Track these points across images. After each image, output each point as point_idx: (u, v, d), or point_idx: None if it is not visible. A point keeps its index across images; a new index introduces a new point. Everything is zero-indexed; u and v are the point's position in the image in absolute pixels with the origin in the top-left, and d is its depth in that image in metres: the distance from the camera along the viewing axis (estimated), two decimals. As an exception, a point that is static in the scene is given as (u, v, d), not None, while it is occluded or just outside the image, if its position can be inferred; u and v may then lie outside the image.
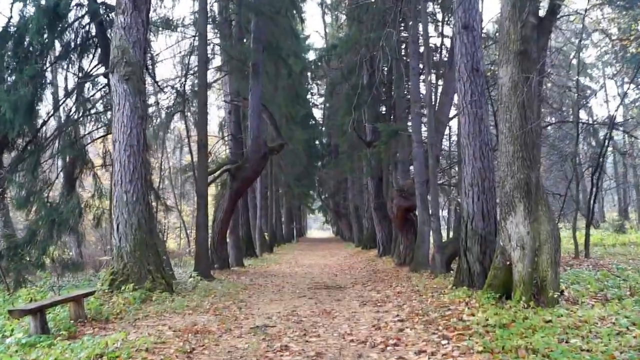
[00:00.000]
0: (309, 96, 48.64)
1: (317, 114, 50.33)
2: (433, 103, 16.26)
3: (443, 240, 15.91)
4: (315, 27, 72.37)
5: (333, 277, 16.24)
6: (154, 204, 16.00)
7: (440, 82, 20.78)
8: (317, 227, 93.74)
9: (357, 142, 26.33)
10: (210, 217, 16.84)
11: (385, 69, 24.79)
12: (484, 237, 10.46)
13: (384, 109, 25.04)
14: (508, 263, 8.41)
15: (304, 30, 38.34)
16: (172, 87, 17.26)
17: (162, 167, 19.66)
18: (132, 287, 10.50)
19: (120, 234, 11.12)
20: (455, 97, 13.81)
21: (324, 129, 48.86)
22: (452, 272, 13.69)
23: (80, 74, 14.75)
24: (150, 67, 15.23)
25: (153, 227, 12.30)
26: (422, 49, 17.25)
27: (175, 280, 13.37)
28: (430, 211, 13.38)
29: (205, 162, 15.43)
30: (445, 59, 19.70)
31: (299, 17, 26.63)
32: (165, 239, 25.75)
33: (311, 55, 36.25)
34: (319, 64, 27.06)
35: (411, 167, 20.76)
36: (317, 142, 50.08)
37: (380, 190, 23.99)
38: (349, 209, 43.57)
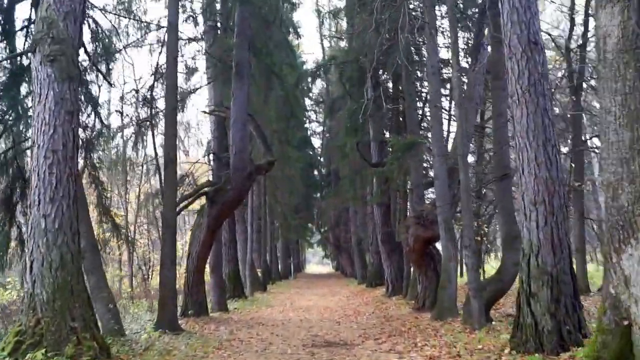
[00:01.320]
0: (306, 124, 45.84)
1: (316, 143, 47.49)
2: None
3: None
4: (312, 49, 69.55)
5: (335, 327, 12.85)
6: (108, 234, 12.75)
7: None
8: (316, 261, 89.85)
9: (361, 164, 23.15)
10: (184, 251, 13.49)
11: (391, 82, 21.83)
12: (555, 277, 7.15)
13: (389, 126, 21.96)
14: (626, 323, 5.11)
15: (300, 48, 35.46)
16: (137, 92, 14.09)
17: (127, 192, 16.42)
18: (46, 353, 7.17)
19: (34, 275, 7.78)
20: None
21: (322, 159, 45.87)
22: (492, 322, 10.32)
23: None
24: (104, 62, 12.03)
25: (83, 266, 8.93)
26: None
27: (123, 338, 10.01)
28: (464, 242, 10.06)
29: (174, 182, 12.19)
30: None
31: (293, 30, 23.79)
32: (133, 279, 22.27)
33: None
34: (318, 73, 24.05)
35: (425, 191, 17.54)
36: (315, 172, 47.10)
37: (389, 219, 20.71)
38: (350, 242, 40.11)
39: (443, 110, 14.17)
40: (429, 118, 17.23)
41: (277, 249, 43.56)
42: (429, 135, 16.38)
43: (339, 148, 23.28)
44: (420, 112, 19.29)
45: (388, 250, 20.29)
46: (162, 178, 12.35)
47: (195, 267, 14.31)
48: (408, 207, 18.85)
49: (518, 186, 7.90)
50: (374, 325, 12.68)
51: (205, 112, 16.38)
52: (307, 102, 45.97)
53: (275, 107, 21.72)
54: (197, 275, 14.40)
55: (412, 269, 18.69)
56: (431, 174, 19.72)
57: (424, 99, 19.97)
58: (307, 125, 46.51)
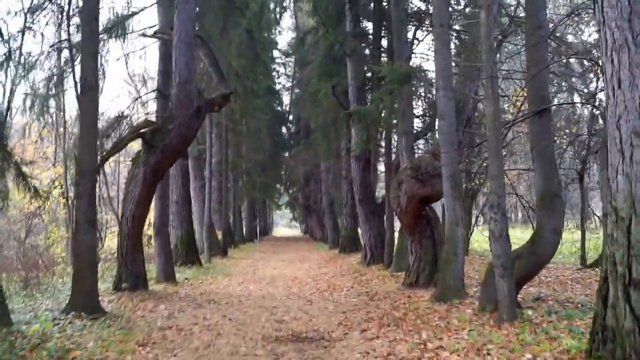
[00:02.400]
0: (274, 76, 42.53)
1: (285, 101, 44.24)
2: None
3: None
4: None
5: (306, 307, 10.03)
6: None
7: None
8: (285, 224, 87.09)
9: (336, 113, 20.20)
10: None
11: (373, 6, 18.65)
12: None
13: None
14: None
15: None
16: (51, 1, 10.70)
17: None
18: None
19: None
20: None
21: (291, 116, 42.72)
22: (524, 310, 7.57)
23: None
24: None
25: None
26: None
27: (5, 330, 7.01)
28: (490, 200, 7.22)
29: (93, 115, 9.02)
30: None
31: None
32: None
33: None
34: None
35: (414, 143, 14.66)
36: (283, 130, 44.02)
37: (368, 175, 17.85)
38: (321, 203, 37.35)
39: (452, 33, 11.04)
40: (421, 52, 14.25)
41: (242, 211, 40.59)
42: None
43: (310, 96, 20.19)
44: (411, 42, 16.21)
45: (367, 212, 17.47)
46: (78, 110, 9.16)
47: (130, 230, 11.23)
48: (393, 159, 16.00)
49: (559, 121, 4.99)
50: (356, 307, 9.87)
51: (145, 35, 13.12)
52: (275, 53, 43.00)
53: (238, 43, 18.40)
54: (132, 240, 11.33)
55: (394, 235, 15.98)
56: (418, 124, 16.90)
57: (414, 28, 16.92)
58: (275, 79, 43.37)
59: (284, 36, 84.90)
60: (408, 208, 10.85)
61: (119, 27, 13.31)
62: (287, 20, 50.30)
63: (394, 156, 16.18)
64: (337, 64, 19.49)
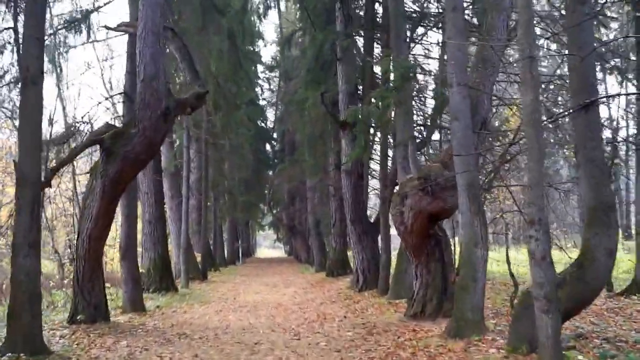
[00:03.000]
0: (257, 90, 41.17)
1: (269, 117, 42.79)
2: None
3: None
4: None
5: (293, 344, 8.45)
6: None
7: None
8: (268, 245, 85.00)
9: (324, 124, 18.81)
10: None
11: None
12: None
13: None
14: None
15: None
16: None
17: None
18: None
19: None
20: None
21: (275, 134, 41.28)
22: (569, 353, 6.09)
23: None
24: None
25: None
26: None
27: None
28: (531, 214, 5.74)
29: (37, 112, 7.45)
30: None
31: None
32: None
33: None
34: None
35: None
36: (267, 147, 42.55)
37: (360, 192, 16.35)
38: (306, 223, 35.73)
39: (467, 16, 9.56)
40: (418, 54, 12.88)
41: (224, 231, 38.84)
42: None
43: (297, 105, 18.73)
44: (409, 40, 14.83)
45: (359, 232, 15.94)
46: (19, 107, 7.58)
47: (87, 253, 9.60)
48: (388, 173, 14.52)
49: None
50: (352, 343, 8.31)
51: (108, 27, 11.59)
52: (259, 68, 41.65)
53: (218, 48, 16.94)
54: (90, 264, 9.70)
55: (391, 257, 14.44)
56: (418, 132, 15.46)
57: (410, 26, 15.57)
58: (259, 95, 42.01)
59: (268, 50, 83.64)
60: (414, 226, 9.34)
61: (81, 21, 11.79)
62: (271, 32, 49.21)
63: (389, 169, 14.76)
64: (326, 72, 18.14)
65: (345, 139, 16.09)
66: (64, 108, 21.24)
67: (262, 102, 42.57)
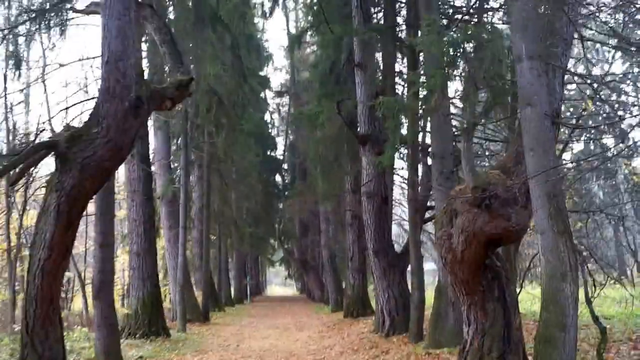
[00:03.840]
0: (266, 118, 39.45)
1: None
2: None
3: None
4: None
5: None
6: None
7: None
8: (279, 282, 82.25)
9: (339, 142, 16.76)
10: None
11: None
12: None
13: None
14: None
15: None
16: None
17: None
18: None
19: None
20: None
21: (286, 165, 39.32)
22: None
23: None
24: None
25: None
26: None
27: None
28: None
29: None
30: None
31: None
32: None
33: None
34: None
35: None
36: (277, 179, 40.58)
37: (385, 220, 14.08)
38: (320, 258, 33.38)
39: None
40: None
41: (231, 269, 36.57)
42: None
43: (308, 121, 16.64)
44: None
45: (384, 265, 13.62)
46: None
47: (40, 292, 7.39)
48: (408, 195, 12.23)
49: None
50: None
51: (75, 10, 9.62)
52: (268, 94, 40.01)
53: (217, 44, 15.02)
54: (43, 307, 7.44)
55: (419, 296, 12.08)
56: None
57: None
58: (268, 124, 40.23)
59: (277, 76, 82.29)
60: (465, 254, 7.05)
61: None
62: (280, 58, 47.61)
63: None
64: (341, 85, 16.22)
65: (366, 156, 13.95)
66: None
67: (272, 133, 40.88)
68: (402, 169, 17.05)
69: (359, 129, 14.37)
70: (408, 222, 12.59)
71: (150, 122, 20.25)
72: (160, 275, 24.32)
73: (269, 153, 38.42)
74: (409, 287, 13.80)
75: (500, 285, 7.53)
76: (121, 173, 16.34)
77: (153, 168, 20.97)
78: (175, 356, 11.08)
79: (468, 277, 7.39)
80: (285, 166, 39.37)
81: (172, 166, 19.93)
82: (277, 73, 48.54)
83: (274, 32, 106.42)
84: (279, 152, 40.12)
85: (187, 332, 15.61)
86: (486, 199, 6.71)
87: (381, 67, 15.88)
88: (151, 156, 23.17)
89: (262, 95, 35.37)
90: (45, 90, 19.90)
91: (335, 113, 14.83)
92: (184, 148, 16.70)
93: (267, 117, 40.24)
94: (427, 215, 13.79)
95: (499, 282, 7.53)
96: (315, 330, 17.22)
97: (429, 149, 13.00)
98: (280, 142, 41.36)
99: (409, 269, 14.30)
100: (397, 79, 15.73)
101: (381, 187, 13.83)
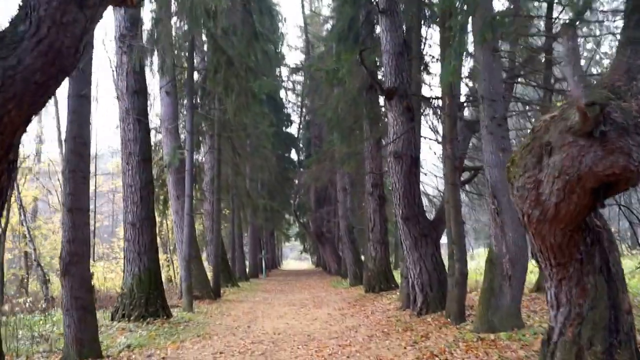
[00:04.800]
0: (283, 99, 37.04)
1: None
2: None
3: None
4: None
5: None
6: None
7: None
8: (295, 256, 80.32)
9: (359, 105, 14.39)
10: None
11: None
12: None
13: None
14: None
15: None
16: None
17: None
18: None
19: None
20: None
21: (301, 143, 36.89)
22: None
23: None
24: None
25: None
26: None
27: None
28: None
29: None
30: None
31: None
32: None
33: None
34: None
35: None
36: (293, 155, 38.29)
37: (415, 183, 11.61)
38: (335, 231, 31.06)
39: None
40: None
41: (245, 242, 34.42)
42: None
43: (327, 77, 14.17)
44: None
45: (415, 234, 11.19)
46: None
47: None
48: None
49: None
50: None
51: None
52: (283, 71, 37.54)
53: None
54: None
55: (461, 269, 9.63)
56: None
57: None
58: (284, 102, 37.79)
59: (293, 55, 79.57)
60: (562, 208, 4.61)
61: None
62: (294, 38, 44.97)
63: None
64: (359, 44, 13.82)
65: (393, 111, 11.47)
66: None
67: (287, 110, 38.50)
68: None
69: (384, 83, 11.87)
70: (444, 182, 10.12)
71: (156, 84, 17.93)
72: (171, 249, 22.16)
73: (284, 129, 36.12)
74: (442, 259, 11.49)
75: (603, 251, 5.13)
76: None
77: (160, 136, 18.65)
78: (171, 344, 8.80)
79: (562, 240, 4.98)
80: (300, 144, 37.03)
81: (180, 132, 17.54)
82: (292, 52, 45.53)
83: (289, 10, 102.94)
84: (294, 129, 37.84)
85: (193, 312, 13.38)
86: (601, 123, 4.25)
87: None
88: (158, 121, 20.95)
89: (277, 71, 32.99)
90: None
91: (357, 66, 12.40)
92: (190, 110, 14.33)
93: (282, 93, 37.83)
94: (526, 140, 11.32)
95: (600, 247, 5.13)
96: (335, 307, 14.95)
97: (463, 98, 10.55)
98: (295, 119, 39.06)
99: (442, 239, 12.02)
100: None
101: (411, 145, 11.38)
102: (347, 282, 23.33)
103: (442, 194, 14.61)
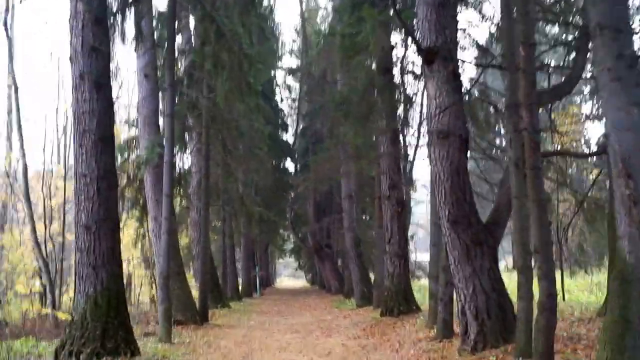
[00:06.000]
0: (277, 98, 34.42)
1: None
2: None
3: None
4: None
5: None
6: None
7: None
8: (288, 273, 76.84)
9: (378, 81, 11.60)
10: None
11: None
12: None
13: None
14: None
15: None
16: None
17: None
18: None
19: None
20: None
21: (297, 153, 34.05)
22: None
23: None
24: None
25: None
26: None
27: None
28: None
29: None
30: None
31: None
32: None
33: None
34: None
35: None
36: (289, 164, 35.53)
37: (465, 172, 8.63)
38: (336, 245, 28.04)
39: None
40: None
41: (237, 259, 31.30)
42: None
43: (341, 45, 11.32)
44: None
45: (467, 241, 8.14)
46: None
47: None
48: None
49: None
50: None
51: None
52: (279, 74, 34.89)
53: None
54: None
55: (548, 287, 6.65)
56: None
57: None
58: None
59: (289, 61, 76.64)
60: None
61: None
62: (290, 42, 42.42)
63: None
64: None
65: (435, 78, 8.59)
66: None
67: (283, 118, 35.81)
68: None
69: (420, 42, 8.98)
70: (511, 167, 7.15)
71: (134, 65, 15.05)
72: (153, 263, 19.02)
73: (279, 134, 33.37)
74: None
75: None
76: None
77: (136, 130, 15.69)
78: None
79: None
80: (296, 155, 34.22)
81: (162, 125, 14.58)
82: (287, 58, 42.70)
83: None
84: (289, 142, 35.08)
85: (172, 343, 10.34)
86: None
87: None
88: (134, 112, 18.05)
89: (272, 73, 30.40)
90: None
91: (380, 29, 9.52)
92: (170, 88, 11.41)
93: (277, 99, 35.12)
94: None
95: None
96: (349, 334, 11.97)
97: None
98: (291, 129, 36.38)
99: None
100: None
101: (459, 122, 8.49)
102: (351, 302, 20.32)
103: (494, 186, 11.76)
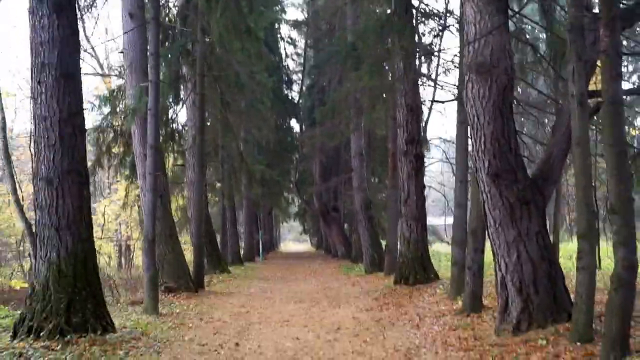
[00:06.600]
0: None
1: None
2: None
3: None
4: None
5: None
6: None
7: None
8: (293, 237, 75.84)
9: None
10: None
11: None
12: None
13: None
14: None
15: None
16: None
17: None
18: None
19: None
20: None
21: (302, 112, 32.28)
22: None
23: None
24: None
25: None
26: None
27: None
28: None
29: None
30: None
31: None
32: None
33: None
34: None
35: None
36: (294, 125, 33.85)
37: (510, 114, 7.05)
38: (342, 208, 26.65)
39: None
40: None
41: (239, 222, 30.00)
42: None
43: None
44: None
45: (511, 201, 6.65)
46: None
47: None
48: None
49: None
50: None
51: None
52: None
53: None
54: None
55: (630, 252, 5.19)
56: None
57: None
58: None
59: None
60: None
61: None
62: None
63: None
64: None
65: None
66: None
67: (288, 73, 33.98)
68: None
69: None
70: (576, 106, 5.59)
71: (117, 6, 13.38)
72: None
73: (284, 91, 31.63)
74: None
75: None
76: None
77: (121, 80, 14.11)
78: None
79: None
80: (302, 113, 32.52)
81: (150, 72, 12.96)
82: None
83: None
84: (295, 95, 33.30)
85: (157, 314, 8.99)
86: None
87: None
88: (120, 56, 16.41)
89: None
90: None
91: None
92: (154, 21, 9.78)
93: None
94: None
95: None
96: (360, 305, 10.58)
97: None
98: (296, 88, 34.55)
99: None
100: None
101: (504, 53, 6.85)
102: (359, 268, 19.02)
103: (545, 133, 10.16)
